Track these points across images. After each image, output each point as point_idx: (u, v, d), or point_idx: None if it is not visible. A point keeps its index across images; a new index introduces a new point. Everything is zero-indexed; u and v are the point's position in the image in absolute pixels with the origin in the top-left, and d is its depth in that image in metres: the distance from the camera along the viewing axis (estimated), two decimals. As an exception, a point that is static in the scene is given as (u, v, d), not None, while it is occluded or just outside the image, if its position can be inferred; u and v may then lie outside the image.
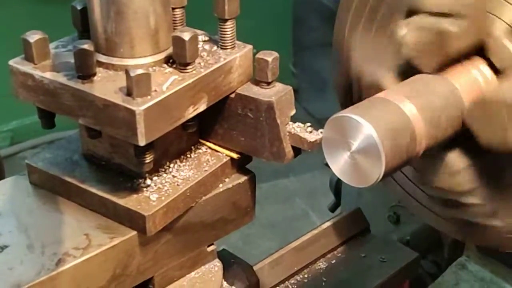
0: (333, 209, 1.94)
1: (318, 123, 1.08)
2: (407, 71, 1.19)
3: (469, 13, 1.14)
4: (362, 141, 1.02)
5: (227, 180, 1.22)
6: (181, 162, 1.18)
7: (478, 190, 1.22)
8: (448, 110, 1.13)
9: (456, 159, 1.20)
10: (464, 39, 1.15)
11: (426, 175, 1.23)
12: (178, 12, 1.15)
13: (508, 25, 1.14)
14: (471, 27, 1.14)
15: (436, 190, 1.25)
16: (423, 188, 1.36)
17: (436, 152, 1.19)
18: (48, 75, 1.06)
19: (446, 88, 1.15)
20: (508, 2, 1.15)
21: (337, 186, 1.91)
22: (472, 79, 1.17)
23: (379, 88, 1.19)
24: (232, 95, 1.16)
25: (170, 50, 1.09)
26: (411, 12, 1.19)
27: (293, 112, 1.16)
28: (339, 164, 1.06)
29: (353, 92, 1.34)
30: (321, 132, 1.12)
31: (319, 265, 1.50)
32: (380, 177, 1.03)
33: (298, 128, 1.15)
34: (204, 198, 1.18)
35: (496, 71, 1.16)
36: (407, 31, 1.17)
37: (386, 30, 1.27)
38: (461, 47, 1.15)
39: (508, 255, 1.43)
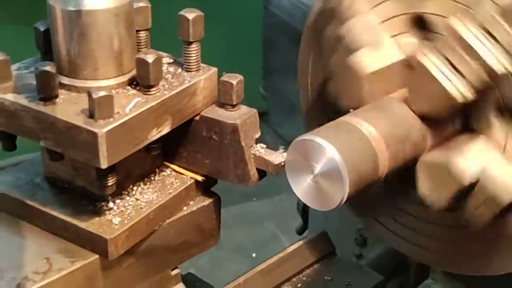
0: (300, 231, 1.94)
1: (289, 146, 1.08)
2: (397, 90, 1.22)
3: (480, 88, 1.13)
4: (325, 164, 1.02)
5: (191, 203, 1.21)
6: (145, 184, 1.17)
7: (484, 176, 1.12)
8: (407, 126, 1.14)
9: (440, 157, 1.15)
10: (462, 106, 1.15)
11: (428, 198, 1.17)
12: (143, 34, 1.16)
13: (502, 96, 1.16)
14: (473, 99, 1.14)
15: (448, 207, 1.16)
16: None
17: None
18: (9, 96, 1.05)
19: (400, 107, 1.16)
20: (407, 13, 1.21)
21: (304, 209, 1.91)
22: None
23: (358, 83, 1.21)
24: (197, 118, 1.16)
25: (134, 72, 1.08)
26: (421, 26, 1.24)
27: (258, 134, 1.17)
28: (302, 187, 1.06)
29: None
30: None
31: (285, 289, 1.50)
32: (343, 200, 1.03)
33: (262, 150, 1.15)
34: (168, 221, 1.17)
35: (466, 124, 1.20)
36: (416, 65, 1.17)
37: (387, 23, 1.30)
38: (455, 110, 1.17)
39: (474, 277, 1.44)
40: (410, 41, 1.23)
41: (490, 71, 1.10)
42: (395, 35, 1.24)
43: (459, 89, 1.12)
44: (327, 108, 1.33)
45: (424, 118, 1.16)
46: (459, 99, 1.12)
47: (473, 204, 1.15)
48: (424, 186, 1.16)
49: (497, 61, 1.09)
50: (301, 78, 1.44)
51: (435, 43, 1.15)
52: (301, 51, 1.43)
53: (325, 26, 1.29)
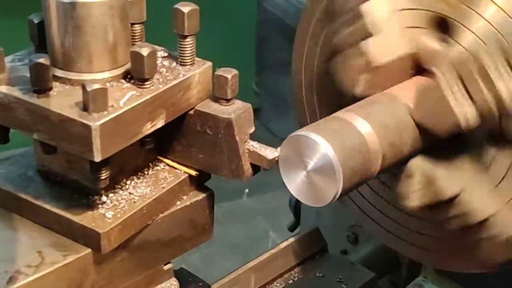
0: (292, 228, 1.94)
1: (282, 143, 1.08)
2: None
3: (383, 27, 1.17)
4: (318, 160, 1.02)
5: (185, 197, 1.20)
6: (138, 179, 1.16)
7: (464, 194, 1.19)
8: (402, 123, 1.14)
9: (428, 167, 1.19)
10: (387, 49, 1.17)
11: (403, 197, 1.21)
12: (137, 27, 1.15)
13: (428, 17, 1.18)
14: (388, 38, 1.17)
15: (421, 209, 1.22)
16: (397, 214, 1.36)
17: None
18: (3, 89, 1.05)
19: (395, 104, 1.16)
20: (430, 11, 1.18)
21: (296, 205, 1.91)
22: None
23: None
24: (191, 112, 1.15)
25: (128, 66, 1.08)
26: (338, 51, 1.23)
27: (252, 129, 1.16)
28: (295, 183, 1.06)
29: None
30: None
31: (277, 285, 1.49)
32: (337, 196, 1.03)
33: (257, 145, 1.15)
34: (161, 215, 1.16)
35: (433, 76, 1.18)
36: (337, 66, 1.21)
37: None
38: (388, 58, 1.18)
39: (465, 275, 1.44)
40: (427, 39, 1.20)
41: (500, 103, 1.11)
42: (411, 27, 1.20)
43: (466, 114, 1.12)
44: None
45: (423, 130, 1.16)
46: (464, 124, 1.13)
47: (446, 214, 1.20)
48: (405, 187, 1.18)
49: (510, 95, 1.11)
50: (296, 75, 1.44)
51: (453, 59, 1.14)
52: (296, 45, 1.42)
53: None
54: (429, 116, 1.15)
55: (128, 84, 1.07)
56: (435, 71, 1.15)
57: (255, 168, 1.16)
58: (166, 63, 1.14)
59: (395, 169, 1.19)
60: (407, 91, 1.18)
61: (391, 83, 1.20)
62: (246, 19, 4.13)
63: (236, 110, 1.13)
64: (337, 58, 1.23)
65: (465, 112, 1.12)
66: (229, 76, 1.12)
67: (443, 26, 1.18)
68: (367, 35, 1.18)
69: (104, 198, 1.11)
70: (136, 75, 1.06)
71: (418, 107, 1.15)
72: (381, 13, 1.19)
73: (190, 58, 1.14)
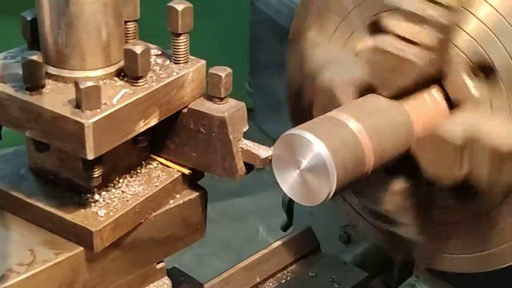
0: (285, 228, 1.94)
1: (274, 143, 1.08)
2: (365, 88, 1.20)
3: (436, 46, 1.15)
4: (312, 160, 1.02)
5: (178, 196, 1.20)
6: (131, 177, 1.16)
7: (408, 211, 1.26)
8: (396, 132, 1.15)
9: (396, 182, 1.23)
10: (426, 70, 1.17)
11: (365, 192, 1.27)
12: (131, 25, 1.15)
13: (468, 58, 1.16)
14: (435, 60, 1.16)
15: (373, 207, 1.30)
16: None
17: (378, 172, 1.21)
18: (-5, 86, 1.04)
19: (397, 111, 1.17)
20: (467, 33, 1.16)
21: (289, 205, 1.90)
22: (424, 105, 1.19)
23: (333, 98, 1.21)
24: (185, 110, 1.15)
25: (121, 63, 1.08)
26: (377, 29, 1.21)
27: (246, 128, 1.16)
28: (288, 182, 1.06)
29: (304, 90, 1.34)
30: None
31: (269, 285, 1.49)
32: (330, 195, 1.03)
33: (250, 144, 1.15)
34: (154, 214, 1.16)
35: (450, 101, 1.19)
36: (373, 52, 1.20)
37: (348, 42, 1.29)
38: (422, 77, 1.18)
39: (457, 275, 1.44)
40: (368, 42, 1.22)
41: (437, 27, 1.13)
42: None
43: (415, 54, 1.14)
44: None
45: (398, 97, 1.17)
46: (418, 61, 1.14)
47: (477, 165, 1.14)
48: (427, 164, 1.17)
49: (441, 17, 1.13)
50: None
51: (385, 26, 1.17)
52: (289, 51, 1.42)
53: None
54: (428, 159, 1.16)
55: (121, 82, 1.07)
56: (373, 42, 1.18)
57: (248, 167, 1.16)
58: (159, 61, 1.14)
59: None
60: (413, 100, 1.19)
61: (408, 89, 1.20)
62: (239, 19, 4.12)
63: (230, 109, 1.13)
64: (377, 39, 1.21)
65: (412, 53, 1.14)
66: (222, 75, 1.12)
67: (485, 70, 1.16)
68: (421, 43, 1.16)
69: (96, 196, 1.11)
70: (129, 73, 1.06)
71: (423, 144, 1.16)
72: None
73: (184, 56, 1.13)
